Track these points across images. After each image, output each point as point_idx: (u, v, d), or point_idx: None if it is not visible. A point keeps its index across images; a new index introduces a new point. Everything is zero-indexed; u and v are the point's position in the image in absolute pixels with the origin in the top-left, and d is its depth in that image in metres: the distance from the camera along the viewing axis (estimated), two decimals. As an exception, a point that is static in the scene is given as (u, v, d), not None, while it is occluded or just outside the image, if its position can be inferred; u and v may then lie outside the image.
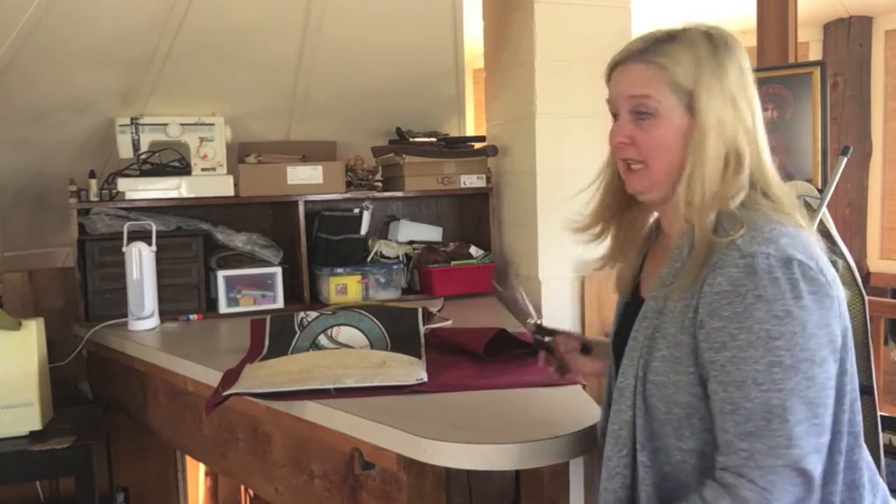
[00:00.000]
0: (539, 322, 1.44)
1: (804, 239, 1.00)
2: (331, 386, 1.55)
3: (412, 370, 1.63)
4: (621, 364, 1.08)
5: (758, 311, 0.92)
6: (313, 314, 2.01)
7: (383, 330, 1.95)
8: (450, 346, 1.90)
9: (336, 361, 1.71)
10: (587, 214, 1.19)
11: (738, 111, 1.03)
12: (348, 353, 1.82)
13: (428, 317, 2.25)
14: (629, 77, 1.08)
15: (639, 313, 1.07)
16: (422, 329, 1.98)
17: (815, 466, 0.91)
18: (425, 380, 1.59)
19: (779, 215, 1.02)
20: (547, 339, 1.42)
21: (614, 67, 1.12)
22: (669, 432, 1.01)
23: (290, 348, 1.90)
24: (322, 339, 1.93)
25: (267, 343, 1.94)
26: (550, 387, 1.59)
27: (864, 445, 1.04)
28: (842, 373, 0.99)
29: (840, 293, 1.01)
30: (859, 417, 1.02)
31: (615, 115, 1.11)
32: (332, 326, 1.95)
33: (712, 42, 1.05)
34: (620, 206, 1.15)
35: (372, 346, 1.90)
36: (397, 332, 1.95)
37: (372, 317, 1.98)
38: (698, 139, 1.01)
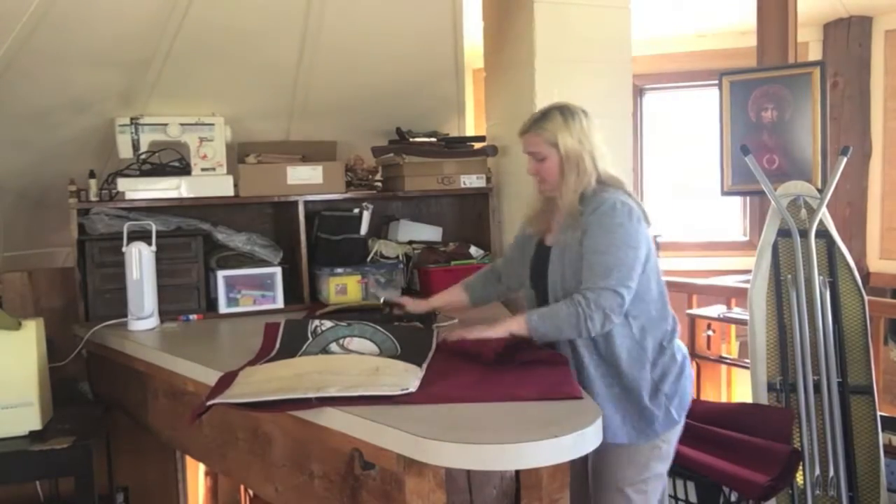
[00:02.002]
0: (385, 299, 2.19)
1: (626, 197, 1.92)
2: (312, 395, 1.52)
3: (403, 379, 1.60)
4: (549, 272, 1.97)
5: (609, 221, 1.86)
6: (328, 324, 1.99)
7: (395, 342, 1.93)
8: (461, 352, 1.86)
9: (329, 367, 1.69)
10: (533, 201, 2.11)
11: (578, 145, 1.93)
12: (342, 359, 1.80)
13: (433, 317, 2.24)
14: (527, 141, 2.00)
15: (551, 255, 1.98)
16: (434, 342, 1.95)
17: (622, 291, 1.82)
18: (411, 390, 1.54)
19: (614, 189, 1.94)
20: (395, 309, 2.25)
21: (519, 135, 2.02)
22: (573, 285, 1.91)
23: (300, 353, 1.88)
24: (333, 347, 1.91)
25: (277, 346, 1.93)
26: (547, 400, 1.53)
27: (665, 325, 1.99)
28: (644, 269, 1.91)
29: (646, 227, 1.93)
30: (664, 306, 2.00)
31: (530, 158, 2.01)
32: (344, 337, 1.95)
33: (563, 114, 1.95)
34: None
35: (381, 353, 1.88)
36: (409, 343, 1.93)
37: (387, 333, 1.96)
38: (564, 164, 1.94)
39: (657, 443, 1.98)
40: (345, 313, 2.38)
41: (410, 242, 2.98)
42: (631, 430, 1.94)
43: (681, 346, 2.04)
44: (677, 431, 2.02)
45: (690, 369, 2.05)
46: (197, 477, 3.52)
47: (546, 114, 1.97)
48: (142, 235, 2.42)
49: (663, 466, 2.02)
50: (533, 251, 2.10)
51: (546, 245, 2.04)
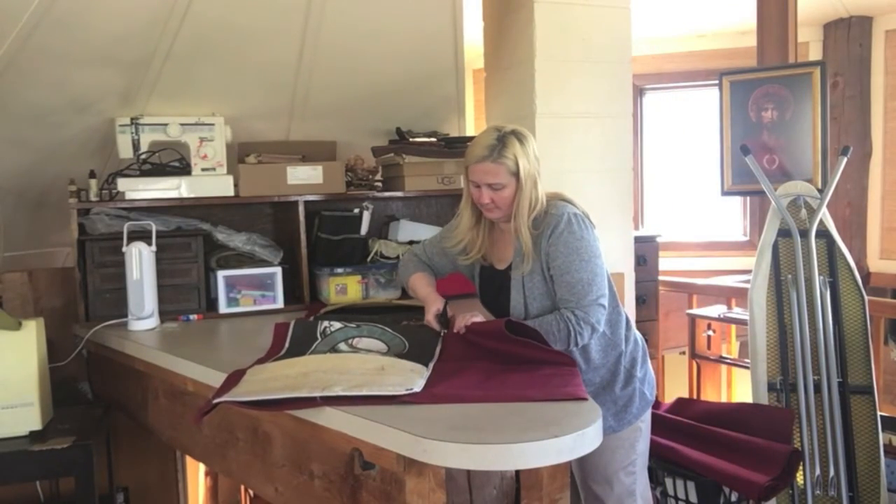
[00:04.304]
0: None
1: (571, 206, 1.94)
2: (318, 394, 1.52)
3: (408, 378, 1.60)
4: (512, 298, 1.97)
5: (571, 238, 1.88)
6: (337, 325, 2.00)
7: (404, 340, 1.94)
8: (473, 342, 1.86)
9: (336, 366, 1.70)
10: (463, 231, 2.03)
11: (533, 169, 1.91)
12: (349, 358, 1.81)
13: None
14: (486, 170, 1.89)
15: (511, 282, 1.97)
16: (441, 340, 1.94)
17: (604, 302, 1.89)
18: (416, 390, 1.55)
19: (556, 202, 1.94)
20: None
21: (473, 164, 1.91)
22: (548, 304, 1.95)
23: (309, 352, 1.88)
24: (342, 346, 1.92)
25: (286, 346, 1.93)
26: (552, 402, 1.53)
27: (622, 315, 2.06)
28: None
29: (594, 227, 1.96)
30: (615, 296, 2.02)
31: (478, 185, 1.92)
32: (353, 337, 1.95)
33: (518, 139, 1.90)
34: (477, 222, 2.03)
35: (389, 350, 1.89)
36: (418, 342, 1.93)
37: (396, 332, 1.97)
38: (520, 191, 1.90)
39: (637, 424, 2.07)
40: (355, 313, 2.37)
41: (410, 242, 2.98)
42: (612, 421, 2.01)
43: (634, 328, 2.15)
44: (650, 408, 2.15)
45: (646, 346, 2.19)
46: (197, 477, 3.52)
47: (503, 140, 1.88)
48: (142, 235, 2.42)
49: (645, 443, 2.13)
50: (478, 272, 2.10)
51: (497, 269, 2.04)
